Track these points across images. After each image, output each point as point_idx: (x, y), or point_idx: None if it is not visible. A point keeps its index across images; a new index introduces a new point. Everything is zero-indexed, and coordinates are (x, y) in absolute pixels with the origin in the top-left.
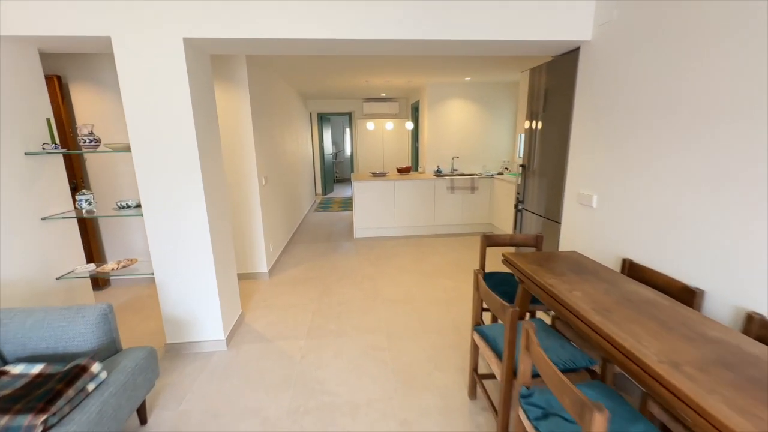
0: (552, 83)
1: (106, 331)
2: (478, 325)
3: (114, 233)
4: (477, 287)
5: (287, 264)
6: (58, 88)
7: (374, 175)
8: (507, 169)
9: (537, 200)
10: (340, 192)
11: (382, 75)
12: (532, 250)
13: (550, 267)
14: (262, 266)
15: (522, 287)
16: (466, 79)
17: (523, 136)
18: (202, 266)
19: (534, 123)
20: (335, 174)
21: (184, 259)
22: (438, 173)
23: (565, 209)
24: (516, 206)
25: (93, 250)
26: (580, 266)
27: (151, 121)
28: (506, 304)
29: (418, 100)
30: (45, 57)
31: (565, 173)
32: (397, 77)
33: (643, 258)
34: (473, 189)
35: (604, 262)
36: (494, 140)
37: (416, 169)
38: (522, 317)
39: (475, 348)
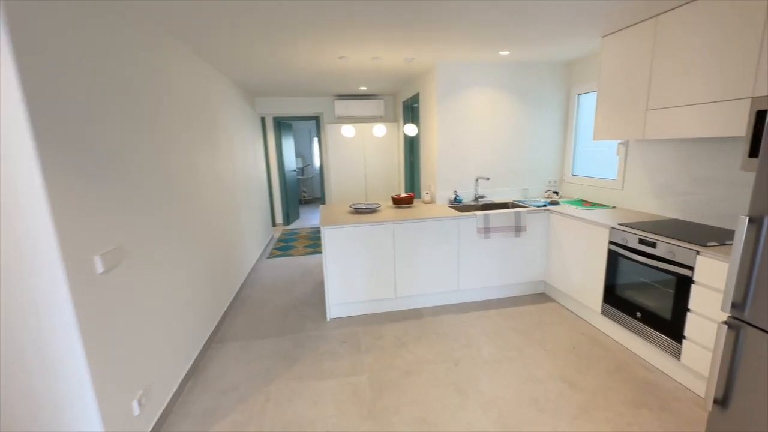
0: None
1: None
2: None
3: None
4: None
5: (185, 428)
6: None
7: (357, 211)
8: (557, 193)
9: None
10: (307, 219)
11: (368, 43)
12: None
13: None
14: None
15: None
16: (502, 53)
17: (575, 142)
18: None
19: None
20: (302, 194)
21: None
22: (456, 203)
23: None
24: (730, 323)
25: None
26: None
27: None
28: None
29: (417, 94)
30: None
31: None
32: (391, 49)
33: None
34: (518, 230)
35: None
36: (537, 150)
37: (418, 197)
38: None
39: None
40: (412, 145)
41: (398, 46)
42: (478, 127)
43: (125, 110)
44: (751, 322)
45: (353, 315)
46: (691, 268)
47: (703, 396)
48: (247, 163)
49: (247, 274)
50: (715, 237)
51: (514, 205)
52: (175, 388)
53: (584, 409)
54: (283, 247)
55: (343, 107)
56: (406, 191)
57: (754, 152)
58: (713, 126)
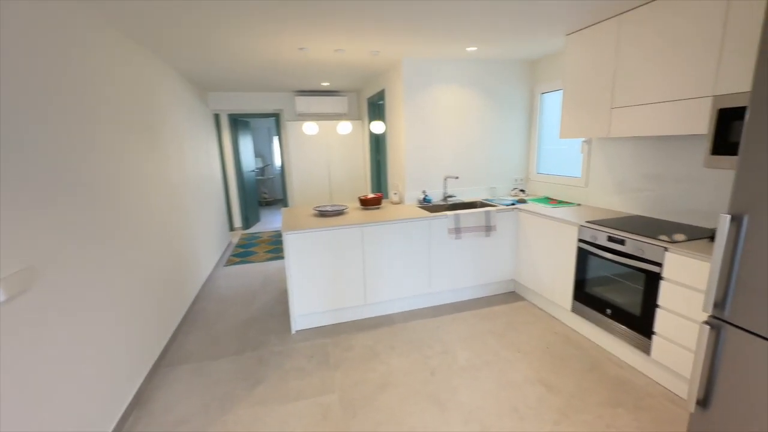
0: None
1: None
2: None
3: None
4: None
5: None
6: None
7: (322, 214)
8: (523, 191)
9: None
10: (268, 221)
11: (330, 33)
12: None
13: None
14: None
15: None
16: (469, 49)
17: (540, 141)
18: None
19: None
20: (262, 195)
21: None
22: (425, 203)
23: None
24: (711, 322)
25: None
26: None
27: None
28: None
29: (382, 91)
30: None
31: None
32: (356, 41)
33: None
34: (489, 229)
35: None
36: (504, 149)
37: (386, 197)
38: None
39: None
40: (377, 144)
41: (363, 38)
42: (445, 125)
43: (45, 104)
44: (731, 322)
45: (321, 325)
46: (660, 265)
47: (674, 391)
48: (200, 163)
49: (202, 285)
50: (672, 232)
51: (482, 204)
52: (112, 427)
53: (564, 414)
54: (243, 253)
55: (304, 104)
56: (372, 191)
57: (716, 150)
58: (677, 124)
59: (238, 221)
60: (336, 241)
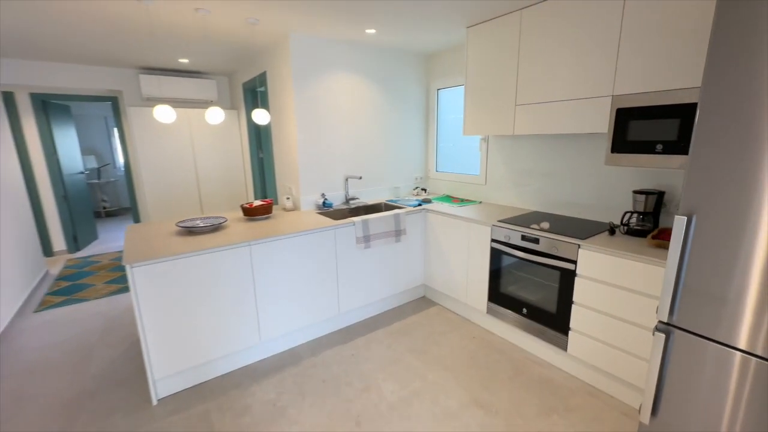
0: None
1: None
2: None
3: None
4: None
5: None
6: None
7: (190, 231)
8: (425, 190)
9: None
10: (111, 238)
11: None
12: None
13: None
14: None
15: None
16: (368, 31)
17: (438, 138)
18: None
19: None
20: (102, 205)
21: None
22: (325, 208)
23: None
24: (660, 328)
25: None
26: None
27: None
28: None
29: (264, 74)
30: None
31: None
32: (221, 2)
33: None
34: (399, 234)
35: None
36: (404, 146)
37: (276, 203)
38: None
39: None
40: (259, 139)
41: None
42: (343, 118)
43: None
44: (679, 325)
45: (198, 383)
46: (574, 262)
47: (591, 383)
48: None
49: None
50: (541, 222)
51: (387, 206)
52: None
53: None
54: (68, 288)
55: (153, 85)
56: (257, 197)
57: (615, 148)
58: (578, 122)
59: (59, 242)
60: (214, 267)
